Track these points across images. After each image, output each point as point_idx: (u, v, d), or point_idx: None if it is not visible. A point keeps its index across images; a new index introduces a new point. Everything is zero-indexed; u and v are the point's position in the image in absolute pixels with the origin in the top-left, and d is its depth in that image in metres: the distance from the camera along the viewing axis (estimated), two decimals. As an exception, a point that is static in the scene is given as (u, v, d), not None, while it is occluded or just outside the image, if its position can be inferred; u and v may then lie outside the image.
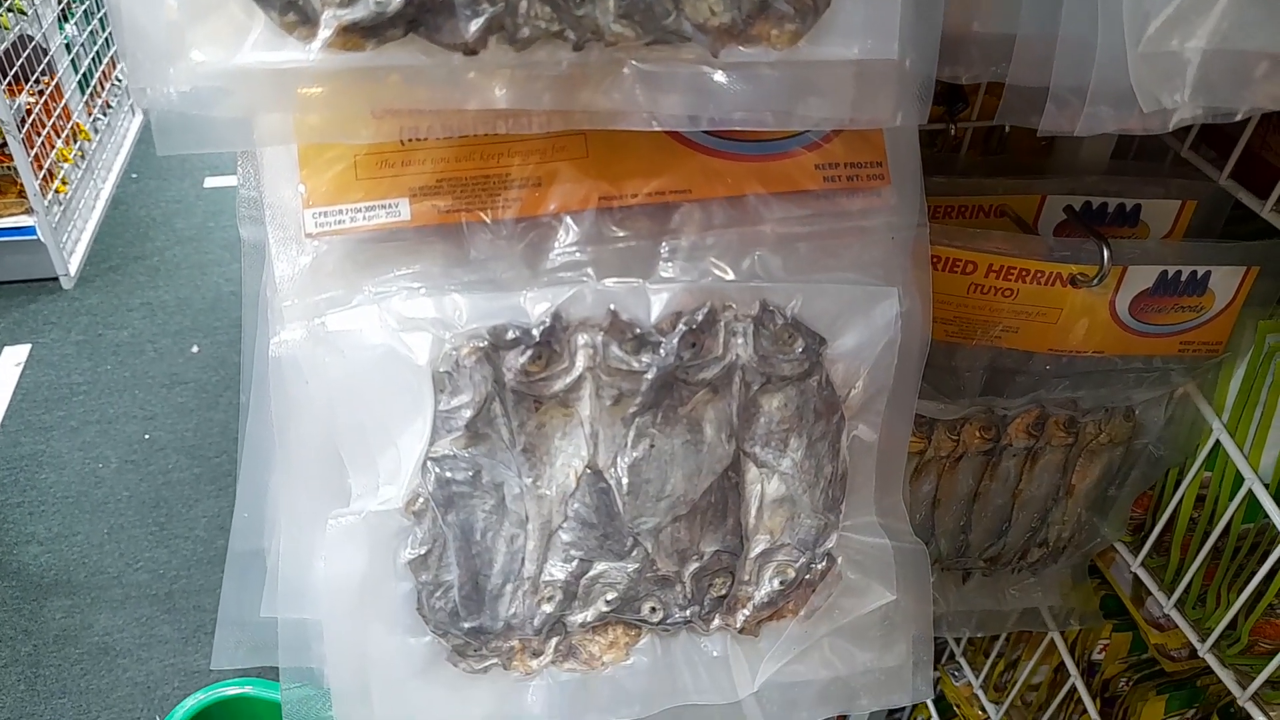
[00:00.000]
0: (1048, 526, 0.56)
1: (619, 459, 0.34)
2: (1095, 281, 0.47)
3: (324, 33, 0.27)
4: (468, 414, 0.33)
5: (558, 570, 0.34)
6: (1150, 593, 0.57)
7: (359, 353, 0.33)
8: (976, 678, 0.77)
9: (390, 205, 0.33)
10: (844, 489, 0.35)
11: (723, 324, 0.34)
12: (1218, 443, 0.53)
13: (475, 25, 0.28)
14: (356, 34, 0.27)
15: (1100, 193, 0.53)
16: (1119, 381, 0.53)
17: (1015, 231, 0.52)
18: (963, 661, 0.79)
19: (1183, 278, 0.49)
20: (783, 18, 0.29)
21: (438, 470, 0.33)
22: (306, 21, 0.27)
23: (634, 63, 0.29)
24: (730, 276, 0.34)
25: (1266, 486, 0.51)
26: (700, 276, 0.34)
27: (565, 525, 0.34)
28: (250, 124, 0.29)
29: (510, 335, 0.32)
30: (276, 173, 0.34)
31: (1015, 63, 0.34)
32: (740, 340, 0.34)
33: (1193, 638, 0.54)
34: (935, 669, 0.83)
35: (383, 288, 0.33)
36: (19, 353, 2.11)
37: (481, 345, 0.32)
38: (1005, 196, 0.53)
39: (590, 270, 0.34)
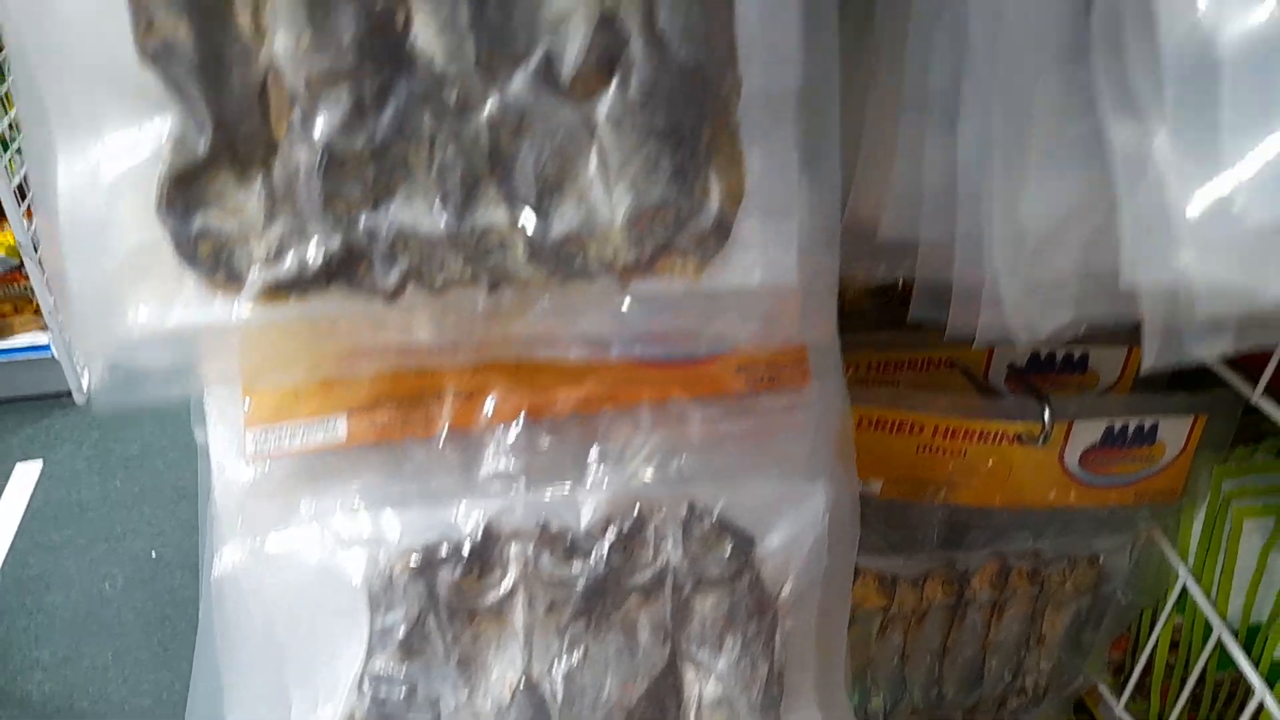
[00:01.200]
0: (1023, 675, 0.56)
1: (554, 668, 0.34)
2: (1040, 440, 0.48)
3: (250, 290, 0.29)
4: (402, 630, 0.33)
5: (493, 786, 0.34)
6: (1134, 739, 0.56)
7: (296, 573, 0.33)
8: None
9: (328, 423, 0.35)
10: (781, 686, 0.35)
11: (652, 528, 0.35)
12: (1185, 587, 0.53)
13: (393, 276, 0.29)
14: (281, 289, 0.29)
15: (1046, 342, 0.54)
16: (1080, 529, 0.53)
17: (966, 385, 0.53)
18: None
19: (1130, 430, 0.49)
20: (685, 252, 0.31)
21: (373, 689, 0.33)
22: (234, 279, 0.29)
23: (547, 298, 0.31)
24: (658, 480, 0.35)
25: (1235, 634, 0.50)
26: (628, 481, 0.35)
27: (500, 739, 0.34)
28: (192, 371, 0.31)
29: (443, 551, 0.33)
30: (219, 391, 0.35)
31: (920, 265, 0.35)
32: (670, 544, 0.35)
33: (1178, 790, 0.53)
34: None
35: (321, 505, 0.34)
36: (32, 469, 2.14)
37: (415, 563, 0.33)
38: (955, 349, 0.54)
39: (522, 480, 0.35)
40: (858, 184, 0.35)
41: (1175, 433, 0.50)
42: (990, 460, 0.49)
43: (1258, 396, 0.45)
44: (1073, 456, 0.49)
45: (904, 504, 0.51)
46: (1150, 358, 0.24)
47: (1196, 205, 0.21)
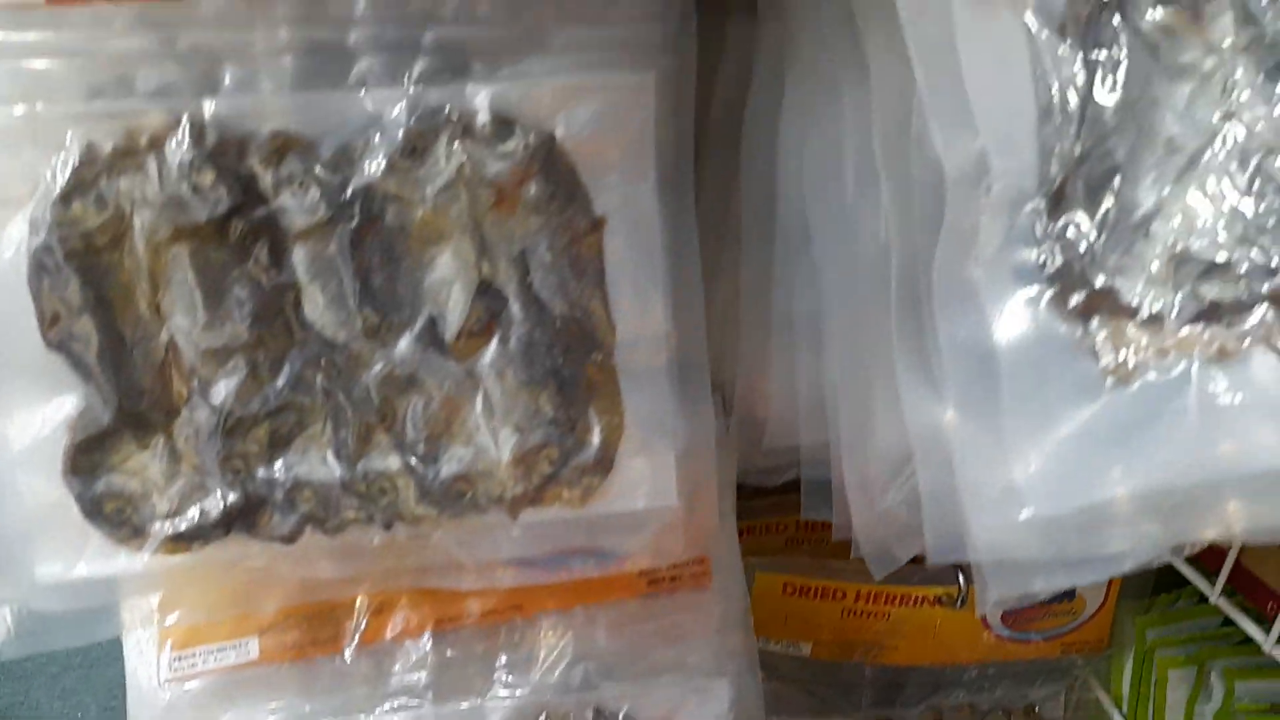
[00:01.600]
0: (969, 828, 0.56)
1: None
2: (959, 603, 0.49)
3: (153, 543, 0.31)
4: None
5: None
6: None
7: (207, 798, 0.34)
8: None
9: (240, 645, 0.36)
10: None
11: (559, 735, 0.36)
12: (1122, 735, 0.53)
13: (291, 522, 0.31)
14: (183, 540, 0.31)
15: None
16: (1014, 680, 0.54)
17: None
18: None
19: (1048, 588, 0.50)
20: (571, 483, 0.32)
21: None
22: (138, 534, 0.31)
23: (440, 532, 0.33)
24: (564, 686, 0.36)
25: (1172, 786, 0.51)
26: (535, 689, 0.36)
27: None
28: (102, 618, 0.32)
29: (350, 773, 0.34)
30: (134, 614, 0.37)
31: (804, 467, 0.37)
32: (577, 751, 0.36)
33: None
34: None
35: (234, 725, 0.35)
36: (8, 594, 2.10)
37: (322, 785, 0.34)
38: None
39: (430, 693, 0.36)
40: (741, 397, 0.37)
41: (1094, 587, 0.51)
42: (914, 622, 0.50)
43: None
44: (994, 616, 0.50)
45: (835, 664, 0.52)
46: (985, 608, 0.26)
47: (983, 493, 0.23)
